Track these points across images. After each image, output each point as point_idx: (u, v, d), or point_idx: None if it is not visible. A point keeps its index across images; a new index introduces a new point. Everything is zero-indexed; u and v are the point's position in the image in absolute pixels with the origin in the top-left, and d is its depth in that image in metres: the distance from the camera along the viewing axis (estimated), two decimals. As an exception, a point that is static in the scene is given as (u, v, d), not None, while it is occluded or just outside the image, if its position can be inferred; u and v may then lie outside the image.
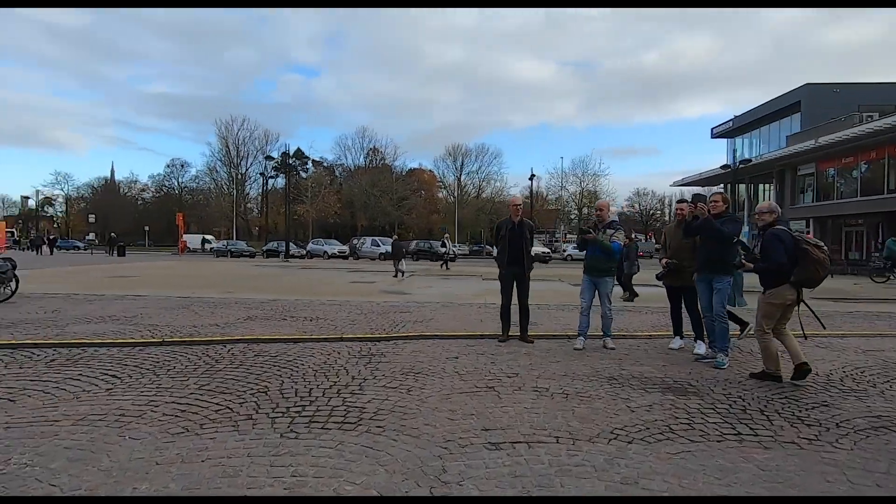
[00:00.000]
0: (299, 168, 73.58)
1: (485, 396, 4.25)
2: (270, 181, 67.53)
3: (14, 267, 10.46)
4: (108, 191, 77.73)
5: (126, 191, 79.36)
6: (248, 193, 72.46)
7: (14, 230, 61.10)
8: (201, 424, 3.45)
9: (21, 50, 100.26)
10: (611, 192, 62.89)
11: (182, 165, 74.41)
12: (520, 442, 3.26)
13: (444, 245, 25.27)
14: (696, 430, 3.54)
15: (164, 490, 2.53)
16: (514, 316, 6.73)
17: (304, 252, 37.61)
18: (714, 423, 3.71)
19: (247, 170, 70.30)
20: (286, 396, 4.13)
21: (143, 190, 79.05)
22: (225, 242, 39.44)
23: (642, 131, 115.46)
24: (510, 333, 6.80)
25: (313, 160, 74.71)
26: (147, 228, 64.04)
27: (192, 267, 23.94)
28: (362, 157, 72.10)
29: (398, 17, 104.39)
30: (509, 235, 6.62)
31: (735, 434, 3.50)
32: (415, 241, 41.53)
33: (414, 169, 73.91)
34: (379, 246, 36.60)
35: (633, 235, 17.94)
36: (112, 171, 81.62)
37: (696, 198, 5.74)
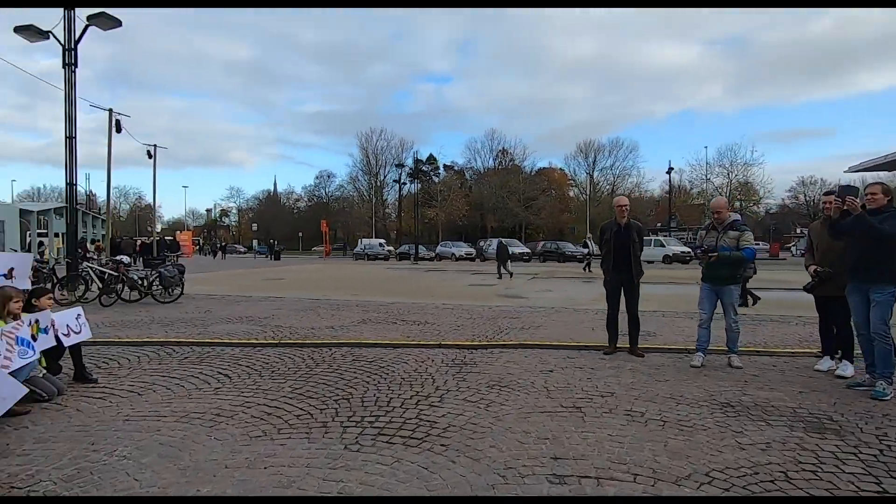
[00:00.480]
0: (431, 173, 76.51)
1: (567, 418, 3.90)
2: (405, 186, 71.25)
3: (182, 272, 12.24)
4: (270, 202, 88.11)
5: (285, 201, 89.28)
6: (385, 199, 77.22)
7: (200, 238, 72.07)
8: (279, 429, 3.63)
9: (208, 86, 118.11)
10: (765, 182, 55.65)
11: (328, 176, 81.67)
12: (589, 477, 2.91)
13: (586, 246, 23.50)
14: (822, 481, 2.87)
15: (221, 494, 2.67)
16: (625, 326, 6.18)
17: (434, 254, 38.89)
18: (851, 473, 2.97)
19: (384, 177, 74.94)
20: (365, 405, 4.19)
21: (297, 200, 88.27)
22: (363, 246, 42.33)
23: (809, 110, 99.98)
24: (619, 345, 6.25)
25: (444, 165, 77.15)
26: (301, 234, 71.35)
27: (331, 270, 26.04)
28: (491, 159, 72.69)
29: (527, 17, 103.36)
30: (614, 239, 6.07)
31: (879, 491, 2.76)
32: (542, 242, 40.69)
33: (543, 168, 72.66)
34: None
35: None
36: (275, 184, 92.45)
37: (846, 190, 4.68)
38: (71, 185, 12.25)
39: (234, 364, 5.54)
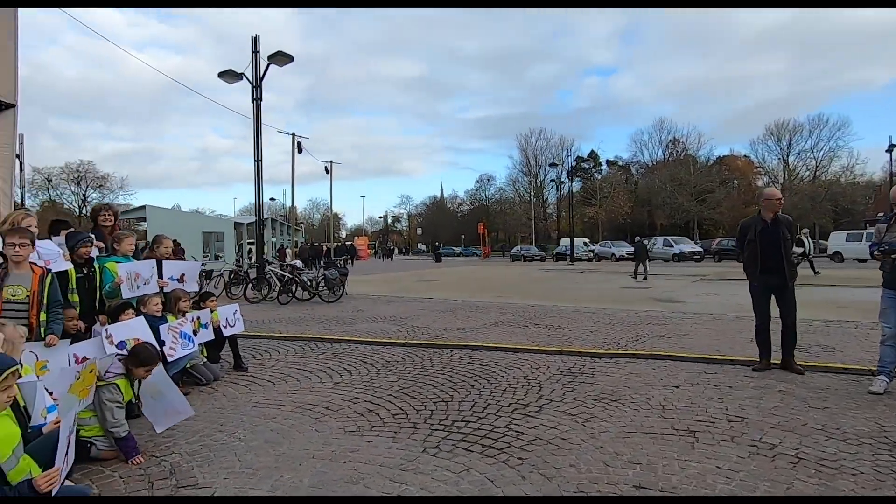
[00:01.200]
0: (593, 170, 73.58)
1: (674, 442, 3.45)
2: (566, 185, 69.65)
3: (345, 275, 13.65)
4: (436, 207, 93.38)
5: (450, 205, 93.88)
6: (545, 199, 76.42)
7: (375, 243, 79.49)
8: (373, 426, 3.84)
9: (384, 104, 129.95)
10: None
11: (488, 179, 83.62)
12: (670, 513, 2.54)
13: (801, 244, 18.31)
14: None
15: (296, 483, 2.93)
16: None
17: (592, 254, 37.29)
18: None
19: (544, 177, 74.24)
20: (461, 409, 4.21)
21: (460, 204, 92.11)
22: (520, 247, 42.42)
23: None
24: (773, 361, 5.32)
25: (607, 160, 73.60)
26: (463, 237, 74.26)
27: (484, 271, 26.61)
28: (660, 150, 67.16)
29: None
30: (760, 238, 5.18)
31: None
32: (717, 240, 36.36)
33: (723, 157, 64.79)
34: (672, 246, 33.41)
35: None
36: (441, 190, 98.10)
37: None
38: (259, 197, 14.51)
39: (359, 361, 6.01)
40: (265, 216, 39.58)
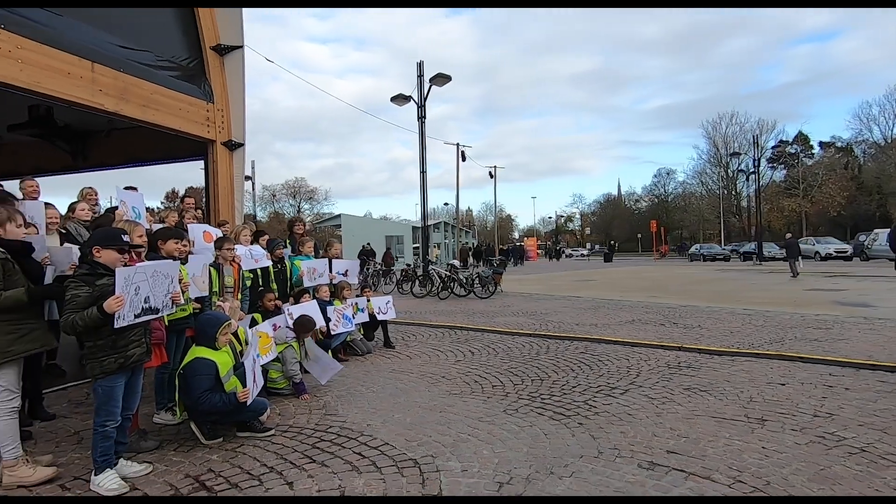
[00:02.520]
0: (801, 154, 63.38)
1: (736, 427, 3.66)
2: (768, 174, 61.21)
3: (500, 273, 14.74)
4: (610, 204, 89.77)
5: (626, 202, 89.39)
6: (740, 191, 68.13)
7: (548, 243, 79.57)
8: (473, 392, 4.73)
9: (556, 102, 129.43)
10: None
11: (668, 173, 77.58)
12: (685, 471, 2.95)
13: None
14: None
15: (401, 421, 3.96)
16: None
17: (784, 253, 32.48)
18: None
19: (737, 167, 66.25)
20: (552, 387, 4.85)
21: (637, 200, 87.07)
22: (699, 246, 38.84)
23: None
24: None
25: (821, 142, 62.82)
26: (640, 236, 70.19)
27: (651, 271, 25.37)
28: None
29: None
30: None
31: None
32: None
33: None
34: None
35: None
36: (618, 186, 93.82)
37: None
38: (423, 205, 16.41)
39: (484, 346, 6.93)
40: (440, 220, 43.01)
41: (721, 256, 36.20)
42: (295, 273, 6.29)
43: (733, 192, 67.34)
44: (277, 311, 5.41)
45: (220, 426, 3.64)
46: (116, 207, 5.08)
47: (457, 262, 16.29)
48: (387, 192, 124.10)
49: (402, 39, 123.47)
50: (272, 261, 5.90)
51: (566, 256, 56.93)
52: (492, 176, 33.46)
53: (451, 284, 14.24)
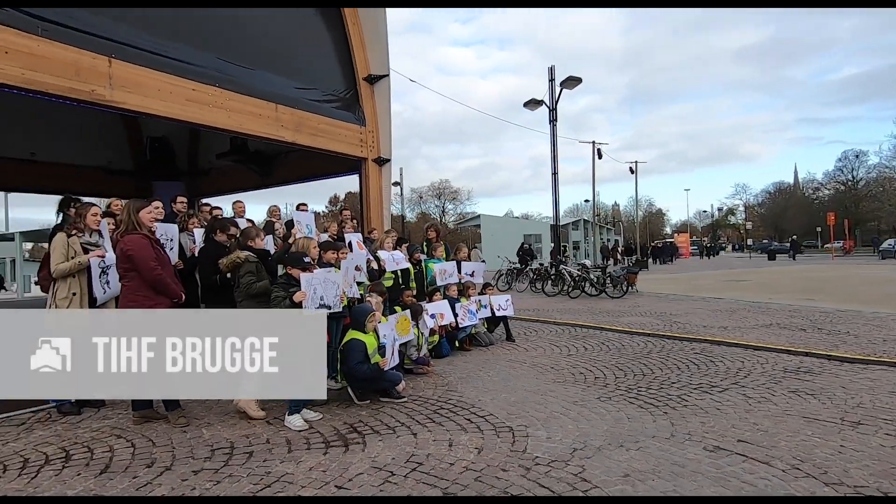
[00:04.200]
0: None
1: (824, 427, 3.81)
2: None
3: (634, 273, 14.66)
4: (781, 194, 79.36)
5: (805, 191, 78.24)
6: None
7: (703, 239, 73.13)
8: (575, 381, 5.34)
9: (715, 83, 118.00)
10: None
11: (856, 156, 66.12)
12: (745, 456, 3.31)
13: None
14: None
15: (506, 398, 4.74)
16: None
17: None
18: None
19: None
20: (652, 381, 5.24)
21: (816, 189, 75.73)
22: (893, 241, 32.82)
23: None
24: None
25: None
26: (819, 229, 61.15)
27: (821, 271, 22.46)
28: None
29: None
30: None
31: None
32: None
33: None
34: None
35: None
36: (794, 173, 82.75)
37: None
38: (556, 207, 16.83)
39: (600, 343, 7.37)
40: (579, 217, 42.36)
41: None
42: (429, 274, 7.41)
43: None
44: (414, 305, 6.54)
45: (368, 392, 4.80)
46: (292, 221, 6.62)
47: (588, 262, 16.43)
48: (528, 189, 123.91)
49: (543, 33, 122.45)
50: (411, 263, 7.06)
51: (726, 253, 51.79)
52: (632, 172, 32.17)
53: (583, 284, 14.51)
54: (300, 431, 4.01)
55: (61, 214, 5.20)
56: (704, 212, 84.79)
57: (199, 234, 5.67)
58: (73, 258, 4.27)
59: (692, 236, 65.74)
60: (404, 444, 3.71)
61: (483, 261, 10.69)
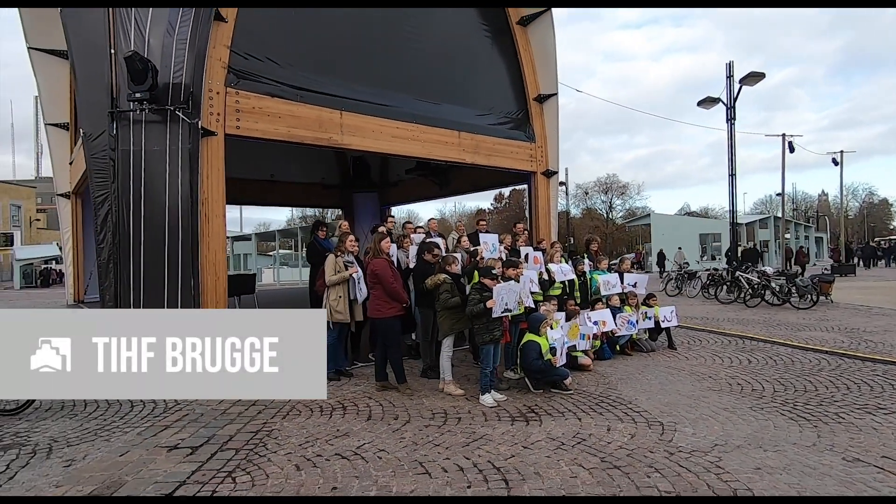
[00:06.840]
0: None
1: None
2: None
3: (828, 282, 13.53)
4: None
5: None
6: None
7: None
8: (731, 391, 5.83)
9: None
10: None
11: None
12: (886, 470, 3.73)
13: None
14: None
15: (648, 397, 5.52)
16: None
17: None
18: None
19: None
20: (812, 397, 5.51)
21: None
22: None
23: None
24: None
25: None
26: None
27: None
28: None
29: None
30: None
31: None
32: None
33: None
34: None
35: None
36: None
37: None
38: (732, 206, 16.07)
39: (767, 357, 7.50)
40: (768, 215, 37.97)
41: None
42: (594, 285, 8.30)
43: None
44: (571, 310, 7.53)
45: (541, 383, 5.99)
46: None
47: (769, 269, 15.37)
48: (708, 179, 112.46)
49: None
50: (576, 274, 8.06)
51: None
52: (836, 163, 27.78)
53: (763, 292, 13.78)
54: (491, 407, 5.37)
55: (313, 234, 7.57)
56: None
57: (412, 251, 7.41)
58: (339, 272, 6.21)
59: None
60: (571, 425, 4.82)
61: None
